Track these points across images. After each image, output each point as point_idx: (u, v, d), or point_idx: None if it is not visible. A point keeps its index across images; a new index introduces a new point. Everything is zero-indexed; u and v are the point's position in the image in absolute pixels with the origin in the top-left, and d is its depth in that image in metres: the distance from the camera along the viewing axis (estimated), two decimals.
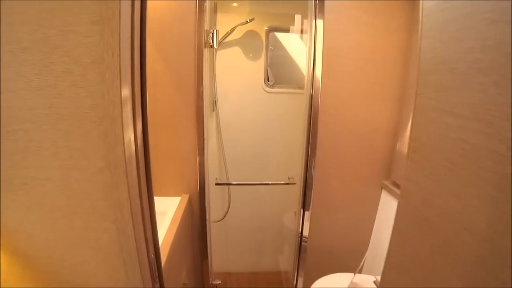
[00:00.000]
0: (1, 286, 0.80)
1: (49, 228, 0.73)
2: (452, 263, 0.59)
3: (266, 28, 2.33)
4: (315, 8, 1.64)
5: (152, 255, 0.80)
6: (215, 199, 2.39)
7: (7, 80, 0.62)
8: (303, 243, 1.94)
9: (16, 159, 0.67)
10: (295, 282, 2.06)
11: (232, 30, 2.22)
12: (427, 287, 0.67)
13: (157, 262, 0.84)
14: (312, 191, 1.80)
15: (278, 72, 2.36)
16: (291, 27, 2.33)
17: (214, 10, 2.15)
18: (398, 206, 0.83)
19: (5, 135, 0.64)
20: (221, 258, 2.62)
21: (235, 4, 2.31)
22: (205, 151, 1.76)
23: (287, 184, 2.14)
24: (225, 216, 2.42)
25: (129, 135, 0.66)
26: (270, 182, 2.28)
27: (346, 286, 1.70)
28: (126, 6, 0.58)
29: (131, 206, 0.68)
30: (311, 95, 1.67)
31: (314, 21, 1.65)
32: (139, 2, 0.62)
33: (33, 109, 0.62)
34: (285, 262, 2.55)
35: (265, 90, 2.33)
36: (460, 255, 0.57)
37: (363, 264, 1.89)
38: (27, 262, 0.78)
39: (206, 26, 1.65)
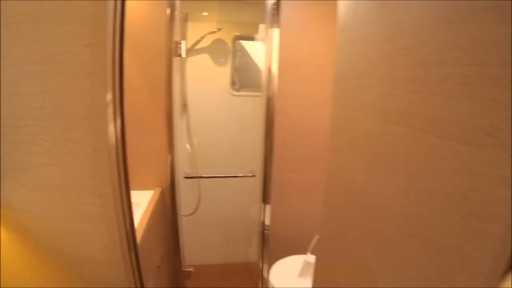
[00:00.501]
0: (3, 260, 0.97)
1: (46, 205, 0.91)
2: (365, 227, 0.81)
3: (233, 36, 2.53)
4: (272, 18, 1.85)
5: (128, 226, 1.00)
6: (186, 194, 2.55)
7: (20, 86, 0.81)
8: (265, 231, 2.15)
9: (23, 149, 0.85)
10: (261, 270, 2.24)
11: (202, 38, 2.42)
12: (352, 251, 0.88)
13: (132, 233, 1.04)
14: (272, 183, 2.01)
15: (244, 77, 2.57)
16: (256, 36, 2.53)
17: (185, 20, 2.34)
18: (325, 184, 1.06)
19: (16, 129, 0.83)
20: (194, 251, 2.76)
21: (205, 13, 2.49)
22: (175, 148, 1.95)
23: (249, 176, 2.36)
24: (196, 210, 2.60)
25: (111, 129, 0.86)
26: (233, 175, 2.50)
27: (301, 265, 1.92)
28: (110, 33, 0.79)
29: (112, 184, 0.88)
30: (268, 98, 1.89)
31: (271, 30, 1.86)
32: (120, 29, 0.83)
33: (39, 109, 0.82)
34: (254, 252, 2.73)
35: (231, 94, 2.54)
36: (367, 217, 0.79)
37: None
38: (27, 236, 0.95)
39: (177, 36, 1.84)
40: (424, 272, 0.54)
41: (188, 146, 2.54)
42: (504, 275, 0.41)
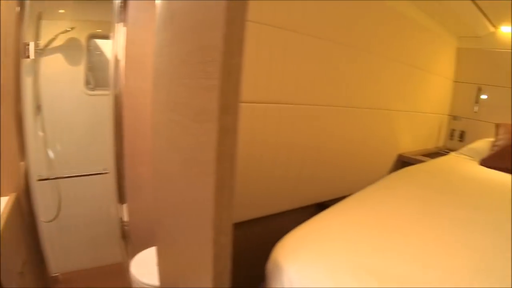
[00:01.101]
0: None
1: None
2: (169, 200, 0.94)
3: (88, 35, 2.53)
4: (119, 16, 1.95)
5: None
6: (46, 199, 2.47)
7: None
8: (125, 228, 2.19)
9: None
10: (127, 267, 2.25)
11: (55, 37, 2.36)
12: (166, 223, 1.05)
13: None
14: (126, 177, 2.08)
15: (99, 76, 2.59)
16: (111, 34, 2.55)
17: (39, 18, 2.24)
18: (152, 171, 1.21)
19: None
20: (61, 257, 2.64)
21: (61, 11, 2.44)
22: (28, 151, 1.92)
23: (104, 173, 2.44)
24: (58, 215, 2.53)
25: None
26: (87, 173, 2.53)
27: None
28: None
29: None
30: (116, 95, 1.98)
31: (119, 28, 1.95)
32: None
33: None
34: (120, 251, 2.74)
35: (86, 93, 2.55)
36: (170, 192, 0.95)
37: None
38: None
39: (29, 36, 1.78)
40: (191, 223, 0.75)
41: (43, 148, 2.45)
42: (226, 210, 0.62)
